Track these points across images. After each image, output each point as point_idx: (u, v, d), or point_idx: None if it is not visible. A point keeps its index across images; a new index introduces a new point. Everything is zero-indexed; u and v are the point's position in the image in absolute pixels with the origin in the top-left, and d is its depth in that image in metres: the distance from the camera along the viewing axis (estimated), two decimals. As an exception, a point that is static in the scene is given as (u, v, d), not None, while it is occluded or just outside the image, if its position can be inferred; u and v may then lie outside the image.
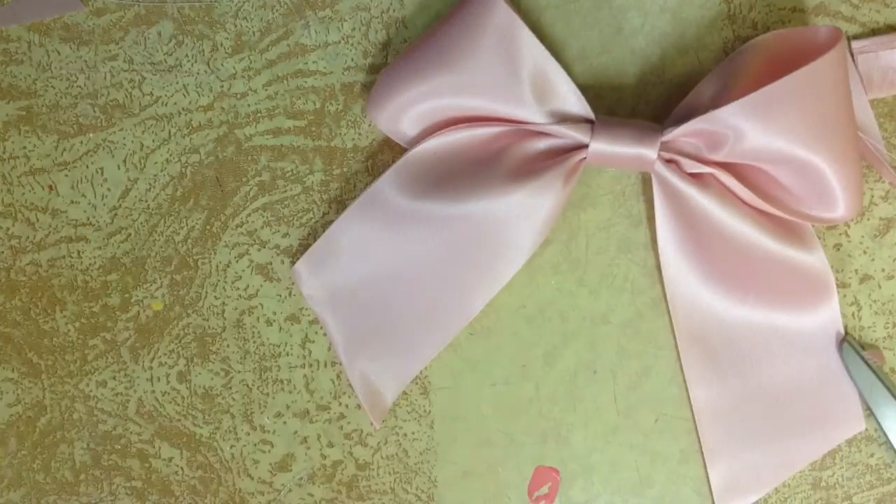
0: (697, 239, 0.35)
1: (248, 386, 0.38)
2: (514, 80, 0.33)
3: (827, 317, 0.37)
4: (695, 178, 0.34)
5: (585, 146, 0.34)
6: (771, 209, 0.34)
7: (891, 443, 0.37)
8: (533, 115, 0.34)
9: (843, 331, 0.37)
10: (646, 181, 0.37)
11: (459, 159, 0.35)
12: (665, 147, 0.34)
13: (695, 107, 0.34)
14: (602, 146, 0.34)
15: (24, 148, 0.37)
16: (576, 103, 0.34)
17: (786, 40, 0.34)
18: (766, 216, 0.35)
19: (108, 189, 0.37)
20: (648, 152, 0.33)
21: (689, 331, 0.36)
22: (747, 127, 0.32)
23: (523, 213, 0.34)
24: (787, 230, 0.35)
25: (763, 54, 0.34)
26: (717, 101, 0.33)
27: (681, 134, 0.33)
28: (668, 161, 0.34)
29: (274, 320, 0.38)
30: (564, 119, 0.34)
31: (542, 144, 0.34)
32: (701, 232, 0.35)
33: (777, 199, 0.34)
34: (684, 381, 0.37)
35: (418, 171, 0.35)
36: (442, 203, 0.34)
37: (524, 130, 0.34)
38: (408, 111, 0.34)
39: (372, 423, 0.37)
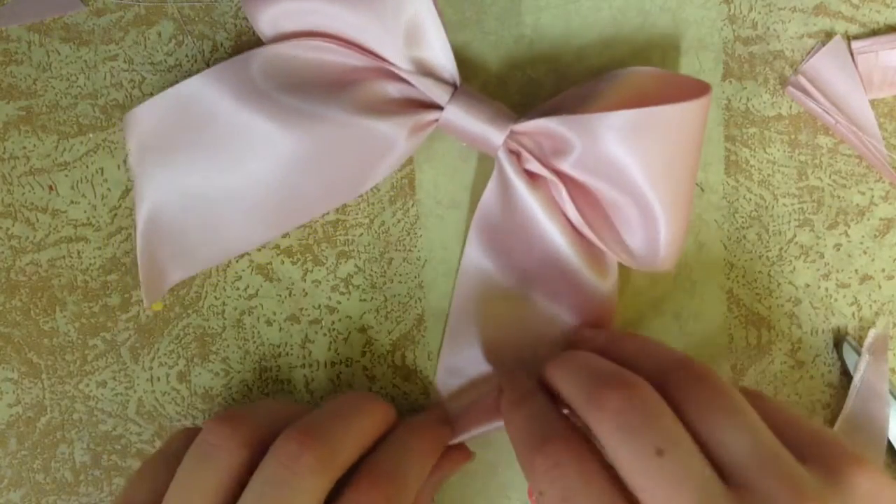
0: (508, 231, 0.35)
1: (248, 386, 0.38)
2: (392, 20, 0.32)
3: None
4: (531, 176, 0.34)
5: (440, 108, 0.33)
6: (588, 233, 0.34)
7: (891, 443, 0.37)
8: (400, 60, 0.33)
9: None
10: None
11: (317, 70, 0.34)
12: (513, 136, 0.33)
13: (559, 108, 0.34)
14: (454, 114, 0.33)
15: (24, 148, 0.37)
16: (446, 65, 0.33)
17: (658, 78, 0.33)
18: (580, 237, 0.34)
19: (108, 189, 0.37)
20: (495, 136, 0.33)
21: (466, 294, 0.36)
22: (595, 141, 0.31)
23: (364, 146, 0.33)
24: (593, 257, 0.35)
25: (633, 82, 0.33)
26: (578, 110, 0.32)
27: (531, 128, 0.33)
28: (512, 151, 0.33)
29: (274, 320, 0.38)
30: (430, 76, 0.33)
31: (398, 91, 0.34)
32: (514, 227, 0.34)
33: (598, 226, 0.34)
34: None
35: (277, 64, 0.34)
36: (293, 100, 0.33)
37: (385, 70, 0.33)
38: (282, 15, 0.33)
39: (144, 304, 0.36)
